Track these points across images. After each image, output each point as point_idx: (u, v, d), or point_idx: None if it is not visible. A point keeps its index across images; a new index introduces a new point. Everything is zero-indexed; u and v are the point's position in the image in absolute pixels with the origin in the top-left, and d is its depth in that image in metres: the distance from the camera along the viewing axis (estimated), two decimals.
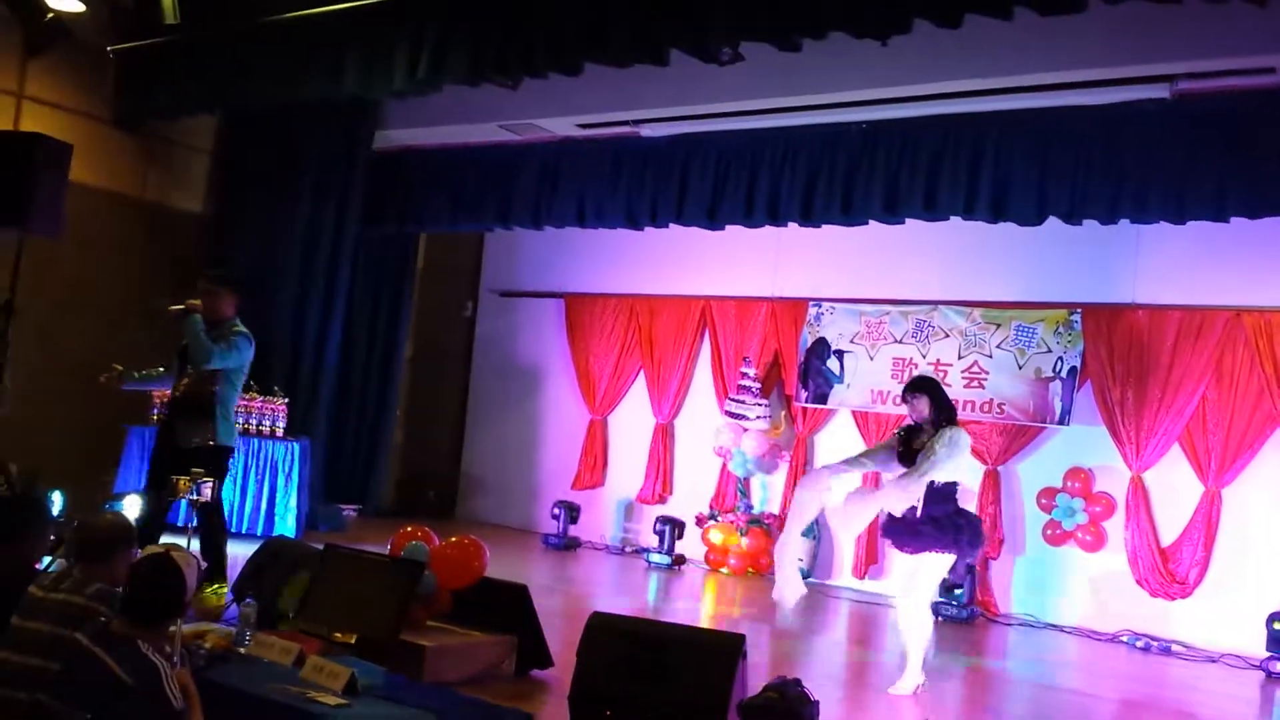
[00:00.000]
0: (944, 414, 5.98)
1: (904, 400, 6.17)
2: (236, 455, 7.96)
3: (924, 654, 6.00)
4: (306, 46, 7.97)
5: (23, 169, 7.31)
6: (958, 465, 5.95)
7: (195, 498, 6.00)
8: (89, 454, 6.77)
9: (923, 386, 6.08)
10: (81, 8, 8.77)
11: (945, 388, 9.41)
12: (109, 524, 4.12)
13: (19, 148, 7.48)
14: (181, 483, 5.88)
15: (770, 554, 10.06)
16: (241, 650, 4.43)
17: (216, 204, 10.44)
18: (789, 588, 6.01)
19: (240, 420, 9.23)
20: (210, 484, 6.08)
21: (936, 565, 5.95)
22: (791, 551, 6.22)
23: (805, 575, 9.91)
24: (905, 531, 5.95)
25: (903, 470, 5.96)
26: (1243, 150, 6.98)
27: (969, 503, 6.35)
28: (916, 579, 5.98)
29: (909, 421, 6.10)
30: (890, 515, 5.97)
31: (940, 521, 5.87)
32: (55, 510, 6.98)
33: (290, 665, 4.26)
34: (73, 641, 3.45)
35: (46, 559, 4.60)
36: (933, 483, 5.82)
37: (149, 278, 9.88)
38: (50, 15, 8.73)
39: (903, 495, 5.85)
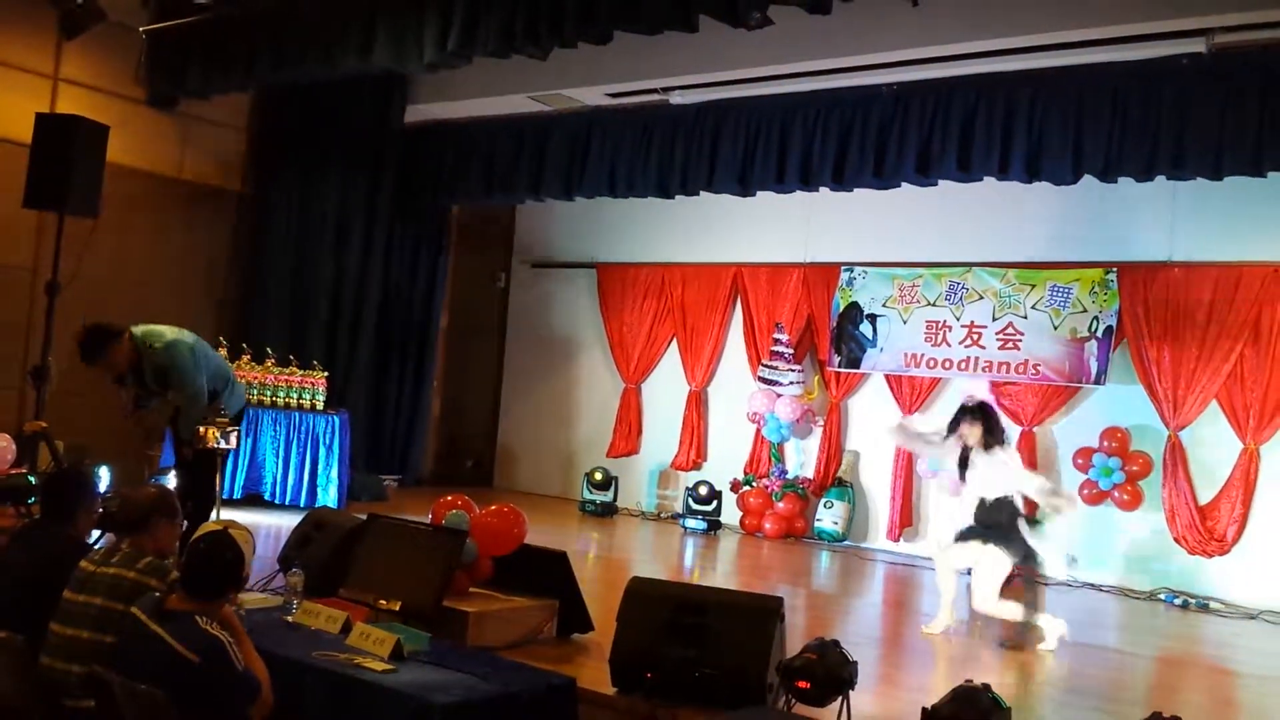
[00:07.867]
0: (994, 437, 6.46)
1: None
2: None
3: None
4: (336, 21, 7.98)
5: (61, 151, 7.39)
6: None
7: (223, 446, 6.08)
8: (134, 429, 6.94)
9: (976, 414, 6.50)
10: None
11: (980, 350, 9.44)
12: (147, 495, 4.21)
13: (57, 130, 7.55)
14: (210, 433, 5.96)
15: (804, 517, 10.15)
16: (289, 619, 4.54)
17: (253, 181, 10.51)
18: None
19: (279, 394, 9.39)
20: (235, 433, 6.14)
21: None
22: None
23: (840, 539, 10.01)
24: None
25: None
26: None
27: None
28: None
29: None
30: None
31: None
32: (102, 485, 7.13)
33: (337, 632, 4.36)
34: (129, 616, 3.54)
35: (95, 533, 4.72)
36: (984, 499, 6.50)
37: (189, 256, 10.03)
38: None
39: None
